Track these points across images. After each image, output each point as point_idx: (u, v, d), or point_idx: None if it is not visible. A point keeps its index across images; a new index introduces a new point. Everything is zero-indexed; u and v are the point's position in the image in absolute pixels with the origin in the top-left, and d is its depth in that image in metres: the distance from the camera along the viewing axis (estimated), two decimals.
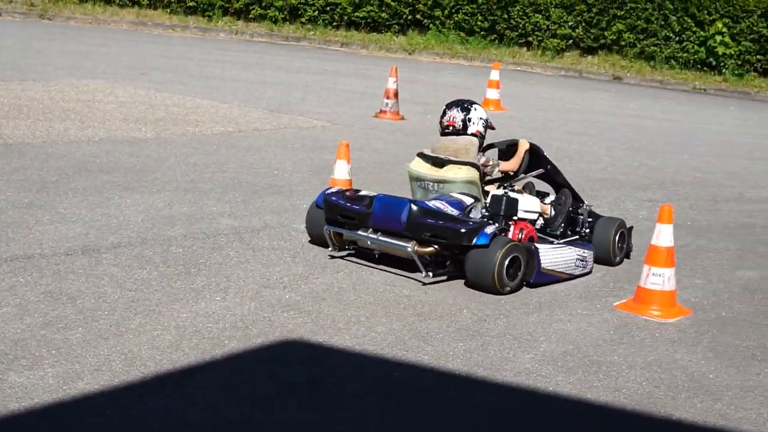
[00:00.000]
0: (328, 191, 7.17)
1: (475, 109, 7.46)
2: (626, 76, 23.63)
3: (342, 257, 6.90)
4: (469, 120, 7.40)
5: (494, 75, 15.89)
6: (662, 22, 24.02)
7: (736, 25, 23.36)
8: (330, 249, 6.96)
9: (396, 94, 13.70)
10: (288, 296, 5.98)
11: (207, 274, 6.28)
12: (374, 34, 25.81)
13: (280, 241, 7.19)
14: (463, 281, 6.56)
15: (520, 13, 24.89)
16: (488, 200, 7.04)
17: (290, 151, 10.63)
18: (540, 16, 24.85)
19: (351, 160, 7.94)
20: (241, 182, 8.94)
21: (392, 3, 25.45)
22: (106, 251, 6.54)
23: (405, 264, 6.69)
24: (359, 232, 6.79)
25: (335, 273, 6.55)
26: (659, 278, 6.26)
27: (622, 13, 24.31)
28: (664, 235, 6.30)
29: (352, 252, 7.00)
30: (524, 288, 6.55)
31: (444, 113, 7.58)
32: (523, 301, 6.32)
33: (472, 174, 7.01)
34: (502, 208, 6.88)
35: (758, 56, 23.50)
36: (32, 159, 9.09)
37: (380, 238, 6.68)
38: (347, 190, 7.30)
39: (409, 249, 6.50)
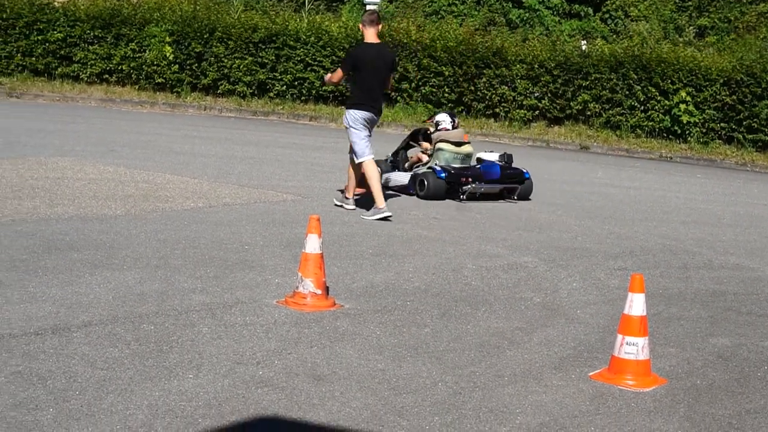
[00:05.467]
0: (439, 171, 13.65)
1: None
2: (593, 146, 23.82)
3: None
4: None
5: None
6: (627, 92, 24.28)
7: (700, 94, 23.63)
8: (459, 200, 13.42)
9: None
10: (261, 372, 5.94)
11: (179, 351, 6.23)
12: (342, 107, 25.90)
13: (252, 316, 7.15)
14: (435, 354, 6.54)
15: (487, 85, 25.12)
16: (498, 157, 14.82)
17: (261, 226, 10.62)
18: (506, 87, 25.08)
19: (322, 234, 7.93)
20: (212, 258, 8.91)
21: None
22: (76, 330, 6.49)
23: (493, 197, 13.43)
24: (477, 184, 13.73)
25: (309, 348, 6.52)
26: (633, 347, 6.26)
27: (587, 83, 24.57)
28: (636, 304, 6.30)
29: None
30: (498, 359, 6.53)
31: (441, 118, 14.69)
32: (498, 373, 6.29)
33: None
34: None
35: (722, 124, 23.74)
36: (1, 238, 9.04)
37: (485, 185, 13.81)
38: (452, 167, 13.88)
39: (499, 188, 13.91)
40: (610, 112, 24.51)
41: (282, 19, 26.80)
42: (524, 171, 14.45)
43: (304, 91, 26.01)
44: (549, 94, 24.96)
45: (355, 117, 11.97)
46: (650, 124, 24.18)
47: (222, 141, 18.91)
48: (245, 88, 26.10)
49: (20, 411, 5.05)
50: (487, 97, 25.25)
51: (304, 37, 25.95)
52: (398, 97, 25.74)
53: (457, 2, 31.33)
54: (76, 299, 7.23)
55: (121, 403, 5.27)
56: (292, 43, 25.96)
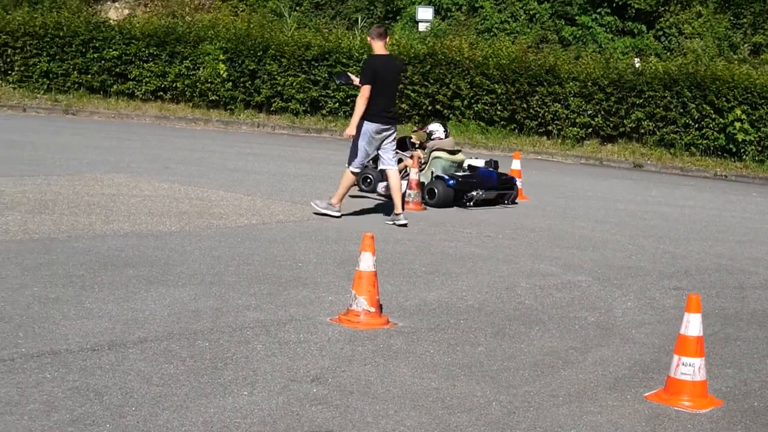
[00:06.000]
0: (448, 179, 14.25)
1: None
2: (647, 164, 23.66)
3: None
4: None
5: (515, 164, 15.94)
6: (681, 110, 24.09)
7: (755, 112, 23.39)
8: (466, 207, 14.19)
9: (418, 185, 13.74)
10: (316, 390, 5.95)
11: (234, 368, 6.26)
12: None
13: (306, 333, 7.17)
14: (490, 373, 6.52)
15: (540, 103, 25.05)
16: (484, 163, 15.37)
17: (314, 243, 10.65)
18: (559, 105, 25.00)
19: (375, 251, 7.94)
20: (266, 275, 8.95)
21: (412, 94, 25.67)
22: (132, 346, 6.54)
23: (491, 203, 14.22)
24: (480, 191, 14.38)
25: (362, 365, 6.52)
26: (689, 368, 6.20)
27: (641, 101, 24.42)
28: (692, 325, 6.25)
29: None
30: (552, 378, 6.50)
31: (434, 127, 15.29)
32: (552, 392, 6.26)
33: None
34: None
35: None
36: (58, 254, 9.14)
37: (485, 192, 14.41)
38: (459, 175, 14.53)
39: (494, 194, 14.50)
40: (664, 130, 24.32)
41: (335, 37, 26.88)
42: (512, 177, 15.46)
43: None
44: (602, 112, 24.82)
45: (366, 129, 12.28)
46: (705, 142, 23.96)
47: (275, 158, 19.00)
48: (298, 106, 26.21)
49: (77, 426, 5.09)
50: (540, 115, 25.17)
51: (357, 54, 26.01)
52: (450, 115, 25.72)
53: (509, 20, 31.27)
54: (132, 315, 7.29)
55: (177, 419, 5.31)
56: (344, 60, 26.03)
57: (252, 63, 26.25)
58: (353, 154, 12.47)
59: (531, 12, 31.07)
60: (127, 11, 34.23)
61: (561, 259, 10.87)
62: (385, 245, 10.52)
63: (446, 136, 15.25)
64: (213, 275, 8.77)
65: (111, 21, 28.32)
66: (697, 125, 24.04)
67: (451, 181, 14.29)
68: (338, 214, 12.48)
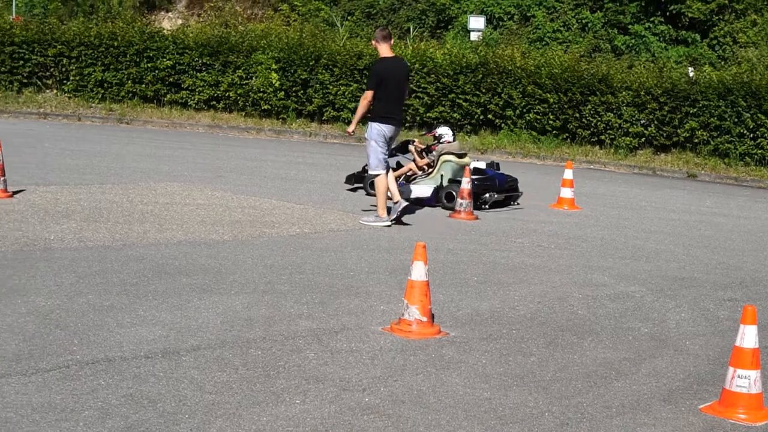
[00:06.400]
0: (468, 181, 13.77)
1: None
2: (700, 174, 23.46)
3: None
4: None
5: (568, 174, 15.87)
6: (736, 120, 23.87)
7: None
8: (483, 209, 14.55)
9: (470, 194, 13.72)
10: (368, 399, 5.95)
11: (286, 376, 6.27)
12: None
13: (358, 343, 7.18)
14: (542, 383, 6.49)
15: (592, 112, 24.93)
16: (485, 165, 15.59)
17: (366, 252, 10.67)
18: (612, 114, 24.86)
19: (428, 261, 7.93)
20: (318, 283, 8.97)
21: (464, 104, 25.66)
22: (185, 354, 6.58)
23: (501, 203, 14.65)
24: (494, 193, 14.76)
25: (414, 375, 6.51)
26: (745, 380, 6.14)
27: (695, 110, 24.23)
28: (748, 337, 6.18)
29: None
30: (605, 389, 6.46)
31: (443, 131, 15.61)
32: (605, 404, 6.22)
33: None
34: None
35: None
36: (112, 262, 9.22)
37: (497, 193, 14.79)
38: (474, 178, 14.38)
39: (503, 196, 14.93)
40: (718, 139, 24.11)
41: None
42: (516, 178, 16.01)
43: (408, 118, 26.09)
44: (655, 122, 24.66)
45: (379, 131, 12.56)
46: (760, 152, 23.71)
47: (327, 167, 19.05)
48: (350, 115, 26.22)
49: None
50: (593, 125, 25.05)
51: (409, 64, 26.04)
52: (503, 124, 25.68)
53: (561, 29, 31.19)
54: (185, 323, 7.33)
55: (230, 427, 5.33)
56: None
57: (304, 72, 26.36)
58: (370, 161, 12.73)
59: (583, 21, 30.98)
60: (180, 21, 34.56)
61: (614, 270, 10.80)
62: (436, 254, 10.51)
63: (453, 140, 15.67)
64: (265, 284, 8.81)
65: (165, 31, 28.54)
66: (752, 135, 23.81)
67: (470, 186, 14.39)
68: (389, 222, 12.52)
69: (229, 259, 9.75)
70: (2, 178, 12.45)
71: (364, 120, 13.59)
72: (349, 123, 26.02)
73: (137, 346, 6.67)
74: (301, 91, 26.59)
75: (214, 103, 27.26)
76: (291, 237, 11.30)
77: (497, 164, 16.11)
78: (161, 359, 6.42)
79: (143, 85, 27.30)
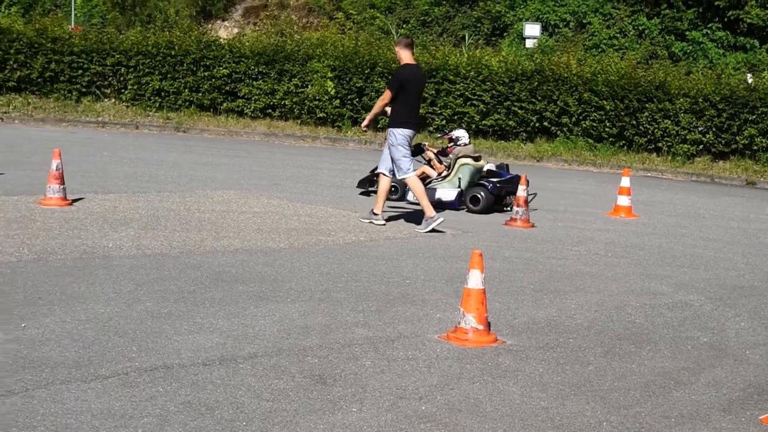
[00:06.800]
0: (489, 183, 14.86)
1: None
2: (760, 181, 23.21)
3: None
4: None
5: (625, 181, 15.75)
6: None
7: None
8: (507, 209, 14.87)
9: (526, 202, 13.68)
10: (424, 407, 5.94)
11: (343, 384, 6.28)
12: (502, 141, 25.93)
13: (414, 351, 7.17)
14: (600, 393, 6.44)
15: (649, 119, 24.75)
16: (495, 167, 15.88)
17: (422, 260, 10.66)
18: (669, 122, 24.67)
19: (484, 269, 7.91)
20: (374, 291, 8.98)
21: (519, 111, 25.59)
22: (243, 361, 6.61)
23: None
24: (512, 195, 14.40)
25: (471, 383, 6.49)
26: None
27: (754, 117, 23.99)
28: None
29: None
30: (664, 399, 6.40)
31: (460, 134, 15.85)
32: (664, 414, 6.16)
33: None
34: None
35: None
36: (170, 269, 9.29)
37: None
38: (496, 181, 15.08)
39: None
40: None
41: (442, 54, 26.94)
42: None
43: (464, 126, 26.07)
44: (713, 129, 24.45)
45: (403, 135, 12.70)
46: None
47: None
48: None
49: None
50: (650, 132, 24.88)
51: (464, 71, 26.04)
52: (558, 132, 25.58)
53: (618, 35, 31.01)
54: (242, 331, 7.37)
55: None
56: (451, 77, 26.07)
57: (359, 80, 26.42)
58: (397, 166, 12.80)
59: (640, 27, 30.78)
60: (236, 30, 34.79)
61: (672, 278, 10.71)
62: (492, 262, 10.48)
63: (468, 142, 15.90)
64: (322, 291, 8.83)
65: (221, 40, 28.75)
66: None
67: (491, 187, 14.87)
68: (440, 219, 12.69)
69: (286, 267, 9.78)
70: (61, 187, 12.59)
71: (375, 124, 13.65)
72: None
73: (195, 353, 6.71)
74: (357, 99, 26.66)
75: (270, 111, 27.40)
76: (347, 245, 11.32)
77: (507, 165, 16.42)
78: (219, 367, 6.45)
79: (200, 94, 27.50)
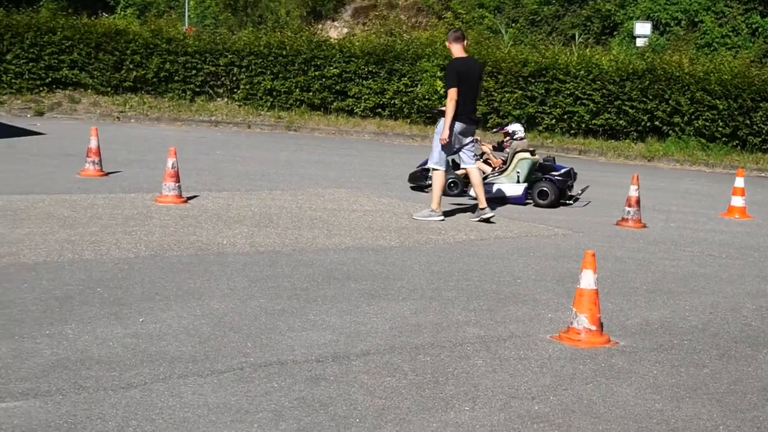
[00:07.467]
0: (553, 179, 14.95)
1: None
2: None
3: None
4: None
5: (739, 182, 15.48)
6: None
7: None
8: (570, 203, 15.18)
9: (638, 202, 13.53)
10: (537, 408, 5.92)
11: (455, 383, 6.29)
12: (612, 141, 25.67)
13: (526, 350, 7.15)
14: (716, 396, 6.36)
15: (764, 119, 24.28)
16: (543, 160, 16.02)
17: (533, 259, 10.62)
18: None
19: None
20: (485, 290, 8.97)
21: (630, 110, 25.31)
22: (355, 358, 6.66)
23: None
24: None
25: (584, 384, 6.45)
26: None
27: None
28: None
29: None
30: None
31: (516, 128, 15.89)
32: None
33: None
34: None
35: None
36: (283, 266, 9.40)
37: None
38: (558, 174, 15.27)
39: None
40: None
41: (552, 53, 26.79)
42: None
43: (574, 125, 25.88)
44: None
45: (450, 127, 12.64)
46: None
47: None
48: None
49: None
50: (764, 131, 24.40)
51: (574, 71, 25.85)
52: (670, 131, 25.24)
53: (730, 34, 30.47)
54: (355, 328, 7.42)
55: None
56: (561, 76, 25.91)
57: None
58: (431, 153, 13.03)
59: (753, 26, 30.20)
60: (346, 30, 34.99)
61: None
62: (604, 263, 10.40)
63: (524, 137, 16.01)
64: (433, 290, 8.86)
65: (331, 40, 28.97)
66: None
67: (558, 181, 15.06)
68: (441, 217, 12.80)
69: (397, 265, 9.83)
70: (177, 184, 12.82)
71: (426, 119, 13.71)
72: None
73: (308, 349, 6.79)
74: None
75: (380, 110, 27.53)
76: (457, 243, 11.33)
77: (553, 158, 16.52)
78: (332, 363, 6.51)
79: (311, 93, 27.75)
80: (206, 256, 9.71)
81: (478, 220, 12.82)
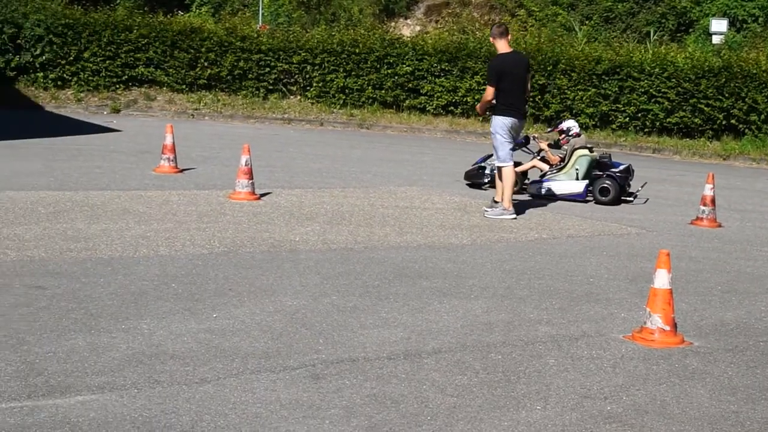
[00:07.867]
0: (612, 175, 14.90)
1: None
2: None
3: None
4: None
5: None
6: None
7: None
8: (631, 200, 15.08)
9: (713, 201, 13.37)
10: (610, 408, 5.88)
11: (527, 381, 6.27)
12: (687, 139, 25.38)
13: (599, 350, 7.10)
14: None
15: None
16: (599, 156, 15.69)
17: (605, 258, 10.54)
18: None
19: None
20: (557, 289, 8.93)
21: (705, 108, 25.00)
22: (427, 356, 6.67)
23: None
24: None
25: (657, 385, 6.40)
26: None
27: None
28: None
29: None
30: None
31: (571, 124, 15.75)
32: None
33: None
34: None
35: None
36: (354, 264, 9.43)
37: None
38: (617, 171, 15.09)
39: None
40: None
41: (626, 51, 26.54)
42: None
43: (648, 123, 25.63)
44: None
45: (502, 123, 12.75)
46: None
47: None
48: (587, 120, 25.98)
49: None
50: None
51: (648, 68, 25.58)
52: (746, 130, 24.89)
53: None
54: (426, 326, 7.43)
55: (471, 431, 5.36)
56: (635, 74, 25.65)
57: (542, 77, 26.24)
58: (495, 153, 13.00)
59: None
60: (418, 28, 34.98)
61: None
62: (678, 262, 10.28)
63: (579, 133, 15.85)
64: (504, 288, 8.83)
65: (404, 37, 28.95)
66: None
67: (618, 179, 14.93)
68: (513, 216, 12.74)
69: (468, 264, 9.81)
70: (250, 181, 12.91)
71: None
72: (586, 128, 25.88)
73: (380, 347, 6.80)
74: (539, 96, 26.48)
75: (452, 108, 27.46)
76: (529, 242, 11.28)
77: (610, 155, 16.07)
78: (403, 361, 6.52)
79: (383, 91, 27.75)
80: (279, 252, 9.78)
81: (495, 217, 12.73)
